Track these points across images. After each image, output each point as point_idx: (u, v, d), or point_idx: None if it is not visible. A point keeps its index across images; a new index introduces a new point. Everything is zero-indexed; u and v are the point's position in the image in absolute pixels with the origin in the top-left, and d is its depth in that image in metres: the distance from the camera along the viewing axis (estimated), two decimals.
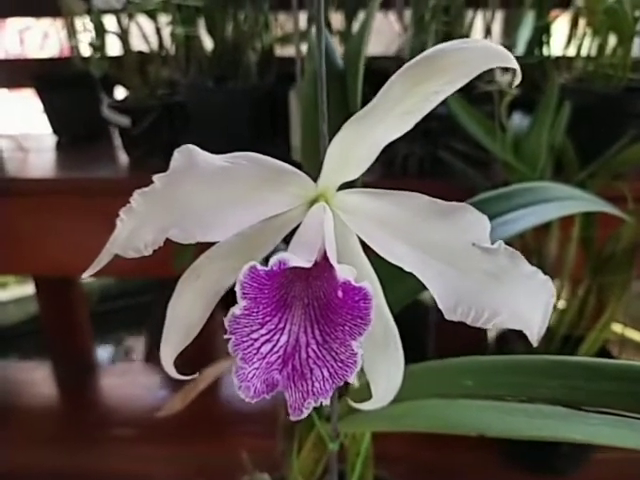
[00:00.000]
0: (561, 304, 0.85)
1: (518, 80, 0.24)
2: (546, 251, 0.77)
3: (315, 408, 0.46)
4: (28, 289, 1.74)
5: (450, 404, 0.33)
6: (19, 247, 0.97)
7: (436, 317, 1.18)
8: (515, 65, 0.23)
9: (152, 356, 1.41)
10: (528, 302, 0.25)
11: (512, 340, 0.86)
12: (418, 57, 0.23)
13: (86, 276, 0.27)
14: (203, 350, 0.64)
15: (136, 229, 0.26)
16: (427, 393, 0.36)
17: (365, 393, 0.33)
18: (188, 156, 0.26)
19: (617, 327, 0.88)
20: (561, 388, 0.31)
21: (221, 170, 0.26)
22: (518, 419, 0.30)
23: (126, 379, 1.15)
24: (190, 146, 0.26)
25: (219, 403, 1.05)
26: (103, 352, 1.58)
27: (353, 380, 0.41)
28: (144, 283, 1.73)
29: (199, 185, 0.26)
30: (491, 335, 0.99)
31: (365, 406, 0.31)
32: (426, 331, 1.19)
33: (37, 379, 1.15)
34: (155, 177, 0.26)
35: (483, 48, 0.23)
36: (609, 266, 0.77)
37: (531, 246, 0.78)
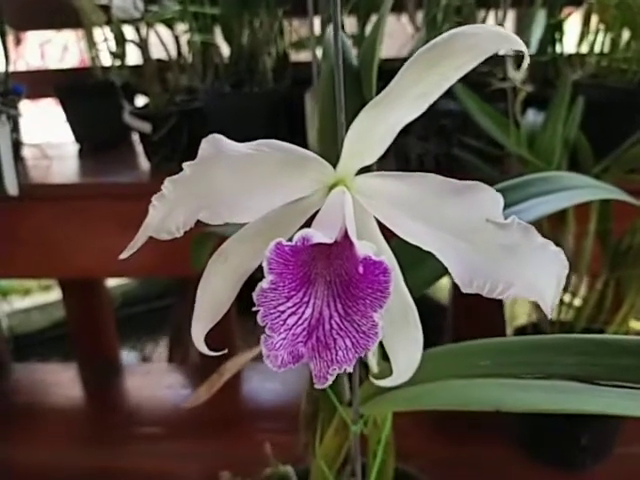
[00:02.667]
0: (579, 298, 0.85)
1: (524, 67, 0.25)
2: (563, 245, 0.77)
3: (336, 395, 0.48)
4: (51, 296, 1.79)
5: (468, 383, 0.34)
6: (44, 251, 1.00)
7: (452, 316, 1.18)
8: (522, 47, 0.24)
9: (173, 357, 1.44)
10: (541, 273, 0.26)
11: (530, 334, 0.86)
12: (432, 41, 0.24)
13: (123, 257, 0.29)
14: (225, 343, 0.65)
15: (168, 213, 0.28)
16: (445, 374, 0.37)
17: (386, 376, 0.34)
18: (215, 144, 0.28)
19: (636, 325, 0.88)
20: (576, 365, 0.32)
21: (246, 157, 0.28)
22: (534, 394, 0.31)
23: (149, 380, 1.17)
24: (217, 135, 0.28)
25: (240, 400, 1.07)
26: (127, 354, 1.61)
27: (374, 365, 0.42)
28: (164, 288, 1.77)
29: (225, 171, 0.28)
30: (509, 332, 0.99)
31: (386, 382, 0.32)
32: (443, 331, 1.19)
33: (64, 381, 1.18)
34: (185, 165, 0.28)
35: (494, 32, 0.25)
36: (627, 259, 0.77)
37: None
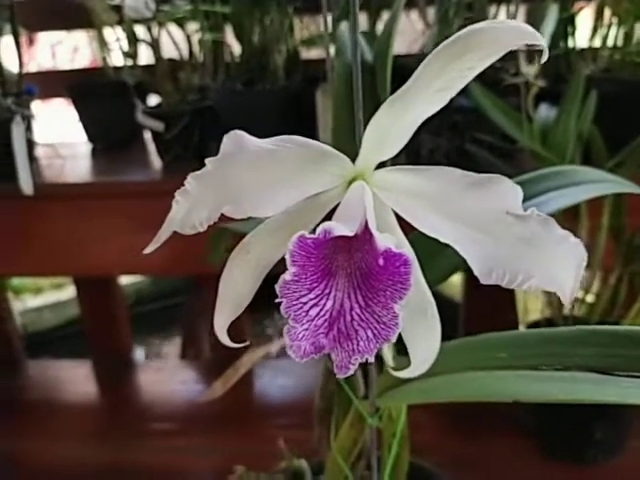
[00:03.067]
0: (592, 294, 0.85)
1: (545, 58, 0.26)
2: None
3: (350, 388, 0.48)
4: (63, 294, 1.81)
5: (486, 375, 0.35)
6: (59, 249, 1.01)
7: (464, 312, 1.18)
8: (542, 41, 0.25)
9: (186, 354, 1.45)
10: (560, 264, 0.26)
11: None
12: (453, 36, 0.25)
13: (147, 251, 0.29)
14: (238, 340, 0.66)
15: (191, 208, 0.28)
16: (462, 367, 0.37)
17: (403, 368, 0.35)
18: (237, 140, 0.28)
19: None
20: (594, 356, 0.32)
21: (267, 152, 0.28)
22: (551, 385, 0.31)
23: (162, 376, 1.19)
24: (238, 131, 0.28)
25: (253, 396, 1.08)
26: (140, 351, 1.62)
27: (389, 359, 0.43)
28: (177, 285, 1.78)
29: (247, 166, 0.28)
30: (521, 329, 0.99)
31: (404, 374, 0.32)
32: (455, 328, 1.19)
33: (78, 377, 1.19)
34: (207, 160, 0.28)
35: (513, 27, 0.25)
36: None
37: None
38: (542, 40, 0.25)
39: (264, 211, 0.28)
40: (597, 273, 0.82)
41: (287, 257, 0.26)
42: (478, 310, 1.07)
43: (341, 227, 0.26)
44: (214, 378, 0.65)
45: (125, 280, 1.69)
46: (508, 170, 0.80)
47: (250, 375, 1.10)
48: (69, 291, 1.74)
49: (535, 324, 0.89)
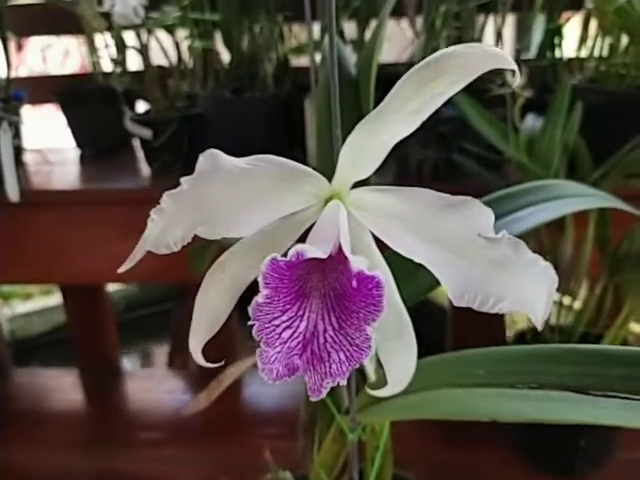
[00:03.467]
0: (578, 302, 0.85)
1: (518, 81, 0.26)
2: (561, 251, 0.78)
3: (334, 402, 0.48)
4: (52, 300, 1.79)
5: (463, 392, 0.35)
6: (46, 256, 1.00)
7: (453, 318, 1.19)
8: (513, 66, 0.25)
9: (174, 362, 1.44)
10: (531, 288, 0.26)
11: (530, 339, 0.86)
12: (424, 60, 0.25)
13: (121, 271, 0.29)
14: (225, 350, 0.66)
15: (166, 227, 0.28)
16: (441, 383, 0.37)
17: (382, 385, 0.35)
18: (212, 159, 0.28)
19: (636, 327, 0.88)
20: (571, 375, 0.32)
21: (242, 171, 0.28)
22: (528, 404, 0.31)
23: (150, 384, 1.18)
24: (214, 150, 0.28)
25: (241, 406, 1.07)
26: (128, 358, 1.61)
27: (371, 373, 0.43)
28: (164, 293, 1.78)
29: (222, 186, 0.28)
30: (509, 336, 0.99)
31: (381, 392, 0.32)
32: (443, 335, 1.20)
33: (65, 385, 1.18)
34: (182, 179, 0.28)
35: (484, 51, 0.25)
36: (625, 264, 0.77)
37: (546, 246, 0.78)
38: (514, 64, 0.25)
39: (239, 232, 0.28)
40: (583, 283, 0.82)
41: (260, 279, 0.26)
42: (466, 318, 1.07)
43: (314, 249, 0.26)
44: (201, 387, 0.65)
45: (113, 286, 1.68)
46: (495, 180, 0.80)
47: (238, 384, 1.09)
48: (58, 297, 1.73)
49: (522, 333, 0.89)
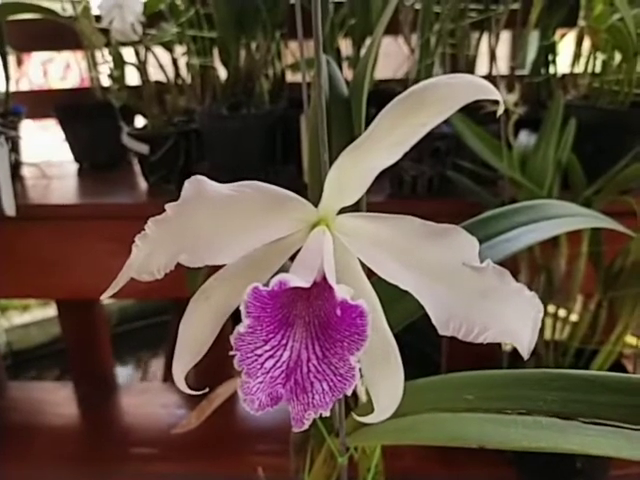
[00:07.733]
0: (573, 318, 0.85)
1: (501, 111, 0.26)
2: (555, 267, 0.78)
3: (325, 425, 0.48)
4: (49, 312, 1.79)
5: (452, 417, 0.34)
6: (42, 271, 1.00)
7: (449, 338, 1.18)
8: (498, 97, 0.25)
9: (170, 375, 1.43)
10: (516, 317, 0.26)
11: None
12: (407, 91, 0.25)
13: (105, 297, 0.29)
14: (217, 368, 0.66)
15: (150, 254, 0.28)
16: (431, 407, 0.37)
17: (370, 410, 0.34)
18: (197, 186, 0.28)
19: (632, 340, 0.88)
20: (559, 400, 0.32)
21: (227, 198, 0.28)
22: (516, 431, 0.31)
23: (145, 398, 1.17)
24: (199, 177, 0.28)
25: (234, 422, 1.06)
26: (123, 372, 1.61)
27: (362, 394, 0.42)
28: (161, 305, 1.77)
29: (207, 212, 0.28)
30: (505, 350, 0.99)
31: (369, 419, 0.32)
32: (438, 350, 1.19)
33: (59, 399, 1.18)
34: (167, 206, 0.28)
35: (468, 82, 0.25)
36: (619, 280, 0.77)
37: (540, 263, 0.78)
38: (498, 95, 0.25)
39: (222, 259, 0.28)
40: (577, 299, 0.82)
41: (242, 308, 0.25)
42: None
43: (296, 279, 0.25)
44: (195, 402, 0.65)
45: (108, 299, 1.68)
46: (488, 197, 0.81)
47: (231, 400, 1.08)
48: (56, 308, 1.73)
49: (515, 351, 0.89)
